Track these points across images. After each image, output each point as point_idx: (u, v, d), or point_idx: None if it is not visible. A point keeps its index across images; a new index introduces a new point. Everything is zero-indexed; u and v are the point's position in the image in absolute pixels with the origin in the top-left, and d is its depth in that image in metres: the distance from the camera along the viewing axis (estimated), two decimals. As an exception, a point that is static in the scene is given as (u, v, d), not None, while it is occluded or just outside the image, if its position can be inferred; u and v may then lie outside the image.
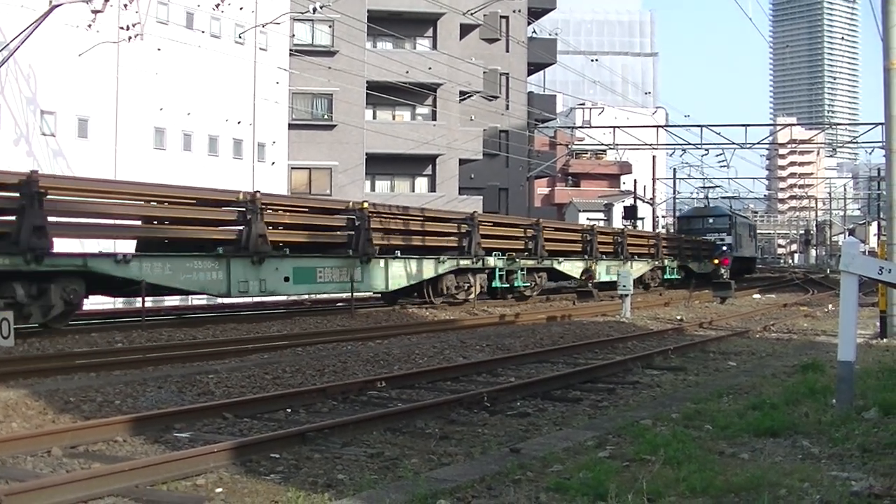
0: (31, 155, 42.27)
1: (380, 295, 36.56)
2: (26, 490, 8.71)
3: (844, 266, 13.39)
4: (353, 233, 32.13)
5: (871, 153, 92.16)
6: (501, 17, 75.17)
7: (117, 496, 9.09)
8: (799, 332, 29.04)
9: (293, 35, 60.50)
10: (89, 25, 38.20)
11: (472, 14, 58.26)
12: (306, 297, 38.24)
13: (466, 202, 63.43)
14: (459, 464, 10.38)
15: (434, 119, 67.47)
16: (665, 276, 57.59)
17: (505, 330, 27.51)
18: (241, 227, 27.86)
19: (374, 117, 66.84)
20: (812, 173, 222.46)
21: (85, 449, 11.39)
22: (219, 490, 9.52)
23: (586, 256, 47.21)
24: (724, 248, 64.69)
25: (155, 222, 27.54)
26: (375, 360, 19.90)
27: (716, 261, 58.40)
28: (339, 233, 32.23)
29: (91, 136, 46.63)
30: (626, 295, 34.40)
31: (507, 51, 76.68)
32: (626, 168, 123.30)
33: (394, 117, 68.24)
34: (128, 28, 39.88)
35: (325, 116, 63.41)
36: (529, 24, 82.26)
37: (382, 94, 60.71)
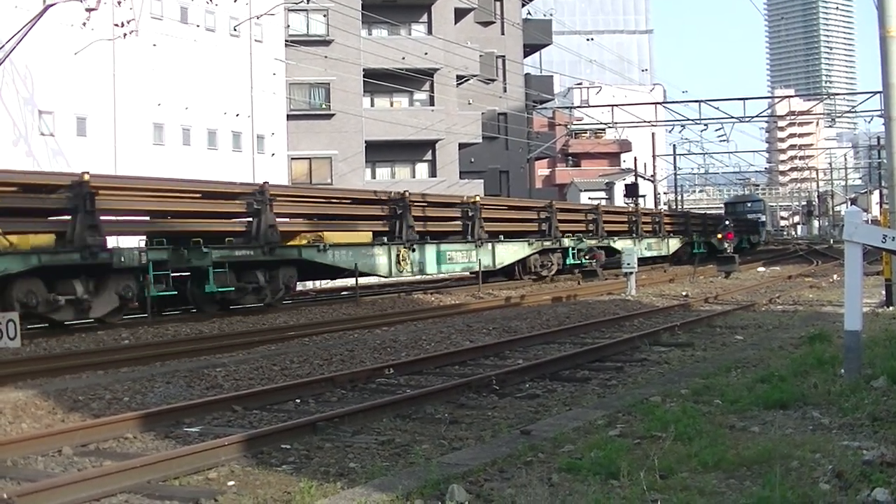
0: (31, 155, 42.26)
1: (475, 274, 40.08)
2: (38, 490, 8.70)
3: (848, 236, 13.38)
4: (469, 222, 38.94)
5: (870, 122, 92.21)
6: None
7: (129, 493, 9.09)
8: (805, 303, 29.04)
9: (288, 25, 60.42)
10: (84, 24, 38.10)
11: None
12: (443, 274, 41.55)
13: (467, 186, 63.39)
14: (470, 448, 10.39)
15: (432, 104, 67.37)
16: (695, 251, 63.04)
17: (511, 312, 27.52)
18: (396, 221, 34.56)
19: (372, 105, 66.79)
20: (812, 144, 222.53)
21: (95, 447, 11.39)
22: (231, 483, 9.52)
23: (633, 235, 53.11)
24: (728, 222, 65.09)
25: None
26: (382, 347, 19.91)
27: (719, 235, 58.58)
28: (457, 222, 39.19)
29: (90, 134, 46.57)
30: (631, 273, 34.37)
31: (503, 33, 76.54)
32: (625, 146, 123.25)
33: (392, 104, 68.15)
34: (122, 25, 39.77)
35: (323, 106, 63.31)
36: (524, 5, 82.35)
37: (379, 81, 60.67)
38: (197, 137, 52.88)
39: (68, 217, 24.10)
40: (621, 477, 8.24)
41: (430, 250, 36.15)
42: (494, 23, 76.04)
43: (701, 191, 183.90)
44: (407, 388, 15.01)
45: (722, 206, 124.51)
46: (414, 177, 67.54)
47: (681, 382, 13.61)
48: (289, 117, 60.24)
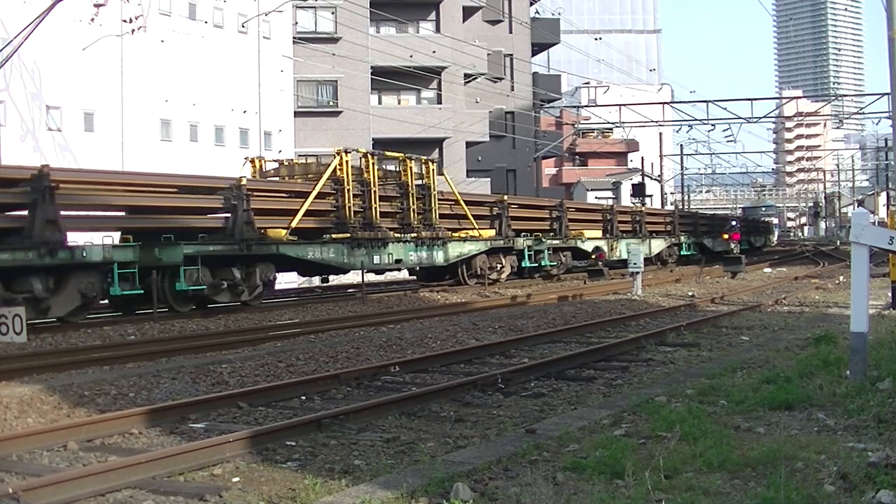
0: (38, 150, 42.30)
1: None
2: (44, 485, 8.71)
3: (854, 237, 13.36)
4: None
5: (877, 124, 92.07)
6: (504, -2, 75.15)
7: (134, 488, 9.10)
8: (811, 304, 29.02)
9: (296, 23, 60.51)
10: (92, 19, 38.24)
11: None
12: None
13: (474, 184, 63.39)
14: (475, 446, 10.39)
15: (439, 102, 67.39)
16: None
17: (517, 311, 27.51)
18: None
19: (380, 102, 66.84)
20: (819, 145, 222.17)
21: (101, 442, 11.40)
22: (236, 479, 9.53)
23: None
24: (734, 222, 65.16)
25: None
26: (388, 344, 19.90)
27: (725, 236, 58.66)
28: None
29: (97, 129, 46.63)
30: (637, 272, 34.34)
31: (511, 32, 76.54)
32: (633, 146, 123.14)
33: (399, 102, 68.19)
34: (130, 21, 39.89)
35: (331, 103, 63.35)
36: (532, 4, 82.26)
37: (387, 79, 60.73)
38: (204, 134, 52.95)
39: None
40: (626, 476, 8.25)
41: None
42: (502, 21, 76.03)
43: (708, 191, 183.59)
44: (412, 385, 15.01)
45: (727, 207, 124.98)
46: (421, 175, 67.54)
47: (686, 383, 13.61)
48: (296, 114, 60.31)
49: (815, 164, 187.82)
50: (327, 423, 11.54)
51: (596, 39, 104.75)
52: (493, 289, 36.46)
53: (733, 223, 65.19)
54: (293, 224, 29.94)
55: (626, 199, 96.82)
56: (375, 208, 33.42)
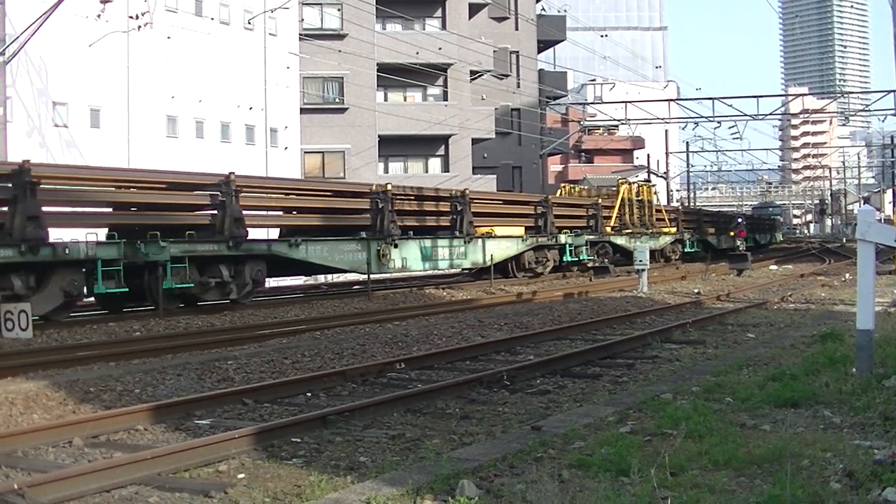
0: (45, 146, 42.36)
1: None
2: (49, 481, 8.72)
3: (861, 234, 13.33)
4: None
5: (883, 121, 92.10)
6: (510, -5, 75.15)
7: (140, 485, 9.10)
8: (817, 301, 28.99)
9: (302, 19, 60.51)
10: (98, 16, 38.21)
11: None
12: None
13: (480, 181, 63.42)
14: (481, 443, 10.39)
15: (445, 99, 67.41)
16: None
17: (522, 308, 27.49)
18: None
19: (386, 99, 66.85)
20: (825, 143, 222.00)
21: (106, 438, 11.41)
22: (241, 476, 9.53)
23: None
24: (740, 220, 65.17)
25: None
26: (394, 341, 19.89)
27: (731, 233, 58.67)
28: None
29: (103, 125, 46.68)
30: (643, 269, 34.30)
31: (517, 29, 76.50)
32: (638, 143, 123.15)
33: (405, 98, 68.22)
34: (137, 17, 39.91)
35: (337, 100, 63.37)
36: (538, 1, 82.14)
37: (393, 75, 60.67)
38: (210, 130, 52.97)
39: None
40: (632, 474, 8.24)
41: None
42: (508, 18, 76.00)
43: (714, 188, 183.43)
44: (418, 382, 14.99)
45: (733, 204, 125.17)
46: (427, 171, 67.65)
47: (692, 380, 13.60)
48: (302, 111, 60.35)
49: (820, 161, 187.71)
50: (333, 420, 11.54)
51: (602, 36, 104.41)
52: (499, 286, 36.43)
53: (739, 220, 65.15)
54: (611, 224, 49.02)
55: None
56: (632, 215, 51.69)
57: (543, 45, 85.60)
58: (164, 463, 9.57)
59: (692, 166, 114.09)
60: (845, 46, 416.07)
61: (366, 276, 33.06)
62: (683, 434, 9.69)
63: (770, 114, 73.31)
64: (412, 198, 36.37)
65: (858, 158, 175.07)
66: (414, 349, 18.90)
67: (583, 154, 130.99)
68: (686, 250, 59.54)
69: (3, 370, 15.66)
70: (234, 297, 27.84)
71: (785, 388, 11.99)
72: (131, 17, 41.93)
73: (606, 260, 46.70)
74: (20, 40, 32.69)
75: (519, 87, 76.46)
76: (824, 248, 78.87)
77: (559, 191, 56.36)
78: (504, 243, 39.69)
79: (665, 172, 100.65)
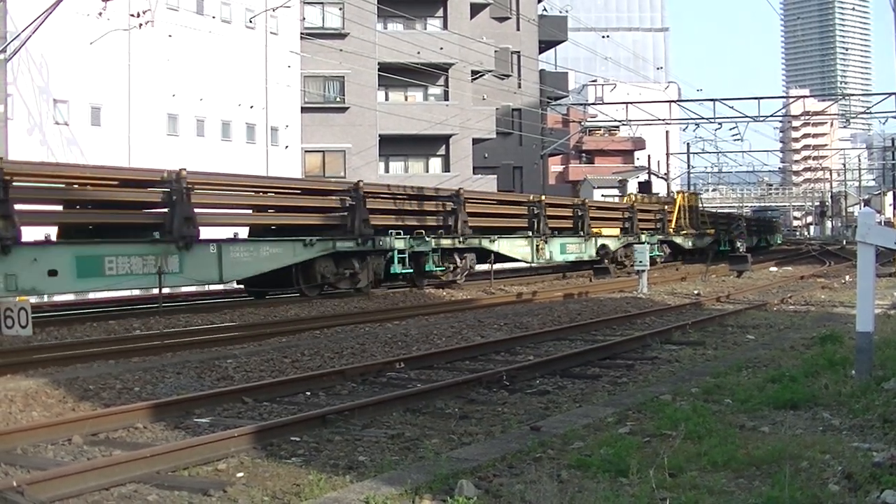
0: (45, 144, 42.39)
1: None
2: (48, 479, 8.72)
3: (861, 237, 13.33)
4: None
5: (884, 123, 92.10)
6: (511, -5, 75.14)
7: (139, 483, 9.10)
8: (816, 303, 28.98)
9: (303, 18, 60.53)
10: (100, 14, 38.27)
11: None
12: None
13: (480, 181, 63.41)
14: (480, 443, 10.39)
15: (446, 99, 67.41)
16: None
17: (522, 308, 27.51)
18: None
19: (387, 99, 66.85)
20: (826, 145, 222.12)
21: (105, 436, 11.41)
22: (240, 474, 9.53)
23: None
24: (741, 222, 65.76)
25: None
26: (393, 341, 19.90)
27: (733, 234, 59.05)
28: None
29: (104, 123, 46.71)
30: (643, 270, 34.31)
31: (518, 29, 76.49)
32: (639, 144, 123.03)
33: (406, 98, 68.23)
34: (138, 15, 39.96)
35: (338, 99, 63.39)
36: (539, 1, 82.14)
37: (394, 75, 60.66)
38: (211, 129, 53.01)
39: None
40: (630, 474, 8.24)
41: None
42: (510, 18, 75.97)
43: (714, 189, 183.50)
44: (417, 382, 14.99)
45: (734, 205, 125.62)
46: (427, 171, 67.65)
47: (691, 381, 13.60)
48: (303, 110, 60.38)
49: (821, 164, 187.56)
50: (332, 419, 11.54)
51: (603, 37, 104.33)
52: (499, 285, 36.42)
53: (740, 222, 65.59)
54: (672, 227, 57.94)
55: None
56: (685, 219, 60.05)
57: (545, 46, 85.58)
58: (163, 461, 9.57)
59: (693, 167, 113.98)
60: (847, 48, 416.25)
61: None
62: (682, 435, 9.69)
63: (771, 115, 73.20)
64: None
65: (859, 161, 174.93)
66: (413, 349, 18.91)
67: (583, 155, 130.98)
68: (721, 249, 61.95)
69: (3, 367, 15.68)
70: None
71: (784, 389, 12.00)
72: (132, 16, 42.02)
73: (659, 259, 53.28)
74: (21, 38, 32.66)
75: (520, 87, 76.46)
76: (824, 251, 78.92)
77: (624, 197, 67.51)
78: (608, 241, 47.78)
79: (666, 173, 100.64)
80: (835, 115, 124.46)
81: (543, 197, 44.21)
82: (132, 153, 46.73)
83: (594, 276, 42.84)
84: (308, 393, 14.15)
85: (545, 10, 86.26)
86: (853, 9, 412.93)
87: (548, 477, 8.37)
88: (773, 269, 51.50)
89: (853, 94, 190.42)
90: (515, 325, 23.18)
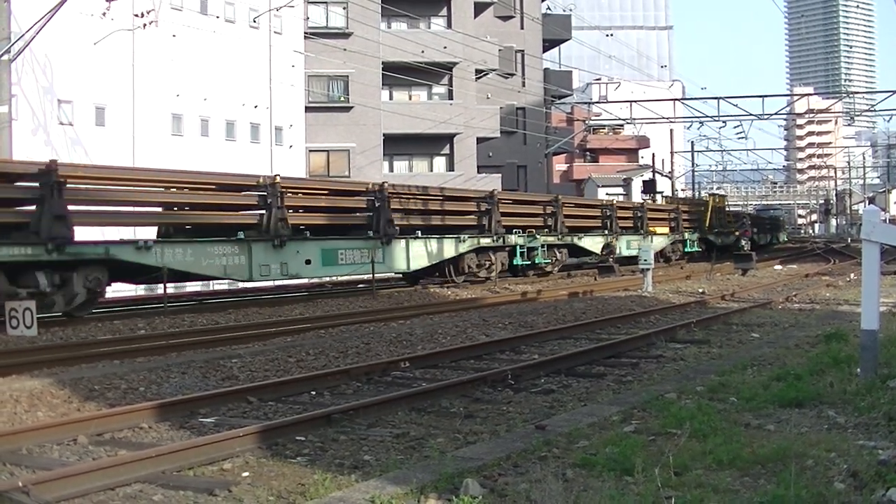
0: (49, 144, 42.35)
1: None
2: (53, 479, 8.72)
3: (865, 235, 13.31)
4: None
5: (889, 121, 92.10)
6: (515, -6, 75.15)
7: (144, 483, 9.10)
8: (821, 301, 28.96)
9: (307, 18, 60.57)
10: (104, 14, 38.23)
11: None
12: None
13: (485, 180, 63.38)
14: (485, 442, 10.38)
15: (450, 98, 67.38)
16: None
17: (527, 307, 27.48)
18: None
19: (391, 98, 66.84)
20: (830, 143, 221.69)
21: (111, 436, 11.41)
22: (245, 474, 9.53)
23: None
24: (745, 220, 66.06)
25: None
26: (398, 340, 19.89)
27: (737, 232, 58.97)
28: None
29: (109, 123, 46.70)
30: (648, 269, 34.28)
31: (522, 28, 76.54)
32: (643, 142, 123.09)
33: (410, 97, 68.21)
34: (142, 15, 39.97)
35: (342, 98, 63.39)
36: (543, 0, 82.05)
37: (398, 74, 60.66)
38: (215, 129, 53.01)
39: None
40: (636, 473, 8.24)
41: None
42: (514, 17, 76.05)
43: (719, 187, 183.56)
44: (422, 381, 14.99)
45: (738, 204, 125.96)
46: (431, 170, 67.63)
47: (696, 379, 13.58)
48: (307, 109, 60.38)
49: (825, 161, 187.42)
50: (337, 419, 11.54)
51: (607, 36, 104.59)
52: (503, 284, 36.43)
53: (745, 220, 65.73)
54: (706, 225, 63.12)
55: (637, 196, 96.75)
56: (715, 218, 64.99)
57: (549, 44, 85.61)
58: (168, 461, 9.57)
59: (697, 166, 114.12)
60: (851, 46, 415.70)
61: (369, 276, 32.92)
62: (688, 434, 9.68)
63: (775, 113, 73.24)
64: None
65: (863, 158, 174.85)
66: (418, 348, 18.90)
67: (588, 153, 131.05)
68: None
69: (8, 368, 15.67)
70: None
71: (789, 388, 11.98)
72: (136, 16, 42.03)
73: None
74: (25, 38, 32.65)
75: (524, 86, 76.48)
76: (829, 249, 78.81)
77: (662, 199, 72.12)
78: (660, 239, 54.43)
79: (670, 172, 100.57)
80: (839, 112, 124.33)
81: (615, 201, 53.12)
82: (136, 153, 46.73)
83: (599, 275, 42.81)
84: (313, 392, 14.15)
85: (549, 8, 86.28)
86: (857, 6, 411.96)
87: (553, 476, 8.36)
88: (778, 267, 51.44)
89: (857, 92, 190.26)
90: (520, 323, 23.16)
